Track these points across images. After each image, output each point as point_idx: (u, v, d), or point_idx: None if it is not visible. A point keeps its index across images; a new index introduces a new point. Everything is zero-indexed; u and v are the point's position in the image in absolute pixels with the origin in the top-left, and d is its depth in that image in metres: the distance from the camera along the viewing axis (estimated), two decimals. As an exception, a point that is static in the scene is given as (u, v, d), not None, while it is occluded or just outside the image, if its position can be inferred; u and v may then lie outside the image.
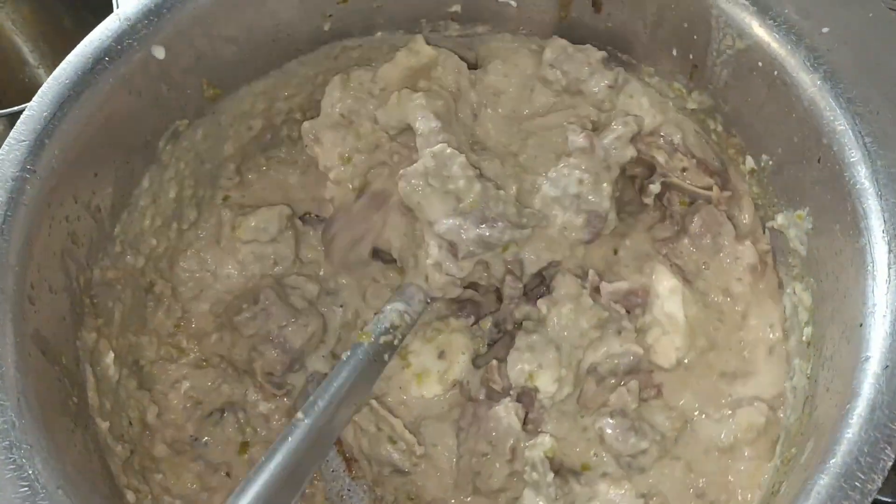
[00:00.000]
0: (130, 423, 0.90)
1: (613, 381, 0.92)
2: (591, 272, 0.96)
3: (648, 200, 1.01)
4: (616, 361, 0.92)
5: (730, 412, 0.89)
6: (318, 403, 0.85)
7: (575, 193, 0.96)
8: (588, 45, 1.01)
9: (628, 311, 0.94)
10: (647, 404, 0.91)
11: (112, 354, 0.88)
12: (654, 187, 0.99)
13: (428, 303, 0.99)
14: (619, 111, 1.01)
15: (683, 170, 0.99)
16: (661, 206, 1.02)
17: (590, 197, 0.96)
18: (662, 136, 1.01)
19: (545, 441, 0.89)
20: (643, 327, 0.94)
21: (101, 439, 0.81)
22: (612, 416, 0.89)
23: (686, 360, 0.92)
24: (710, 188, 0.97)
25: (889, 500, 0.93)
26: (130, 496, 0.80)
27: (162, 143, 0.93)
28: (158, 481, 0.88)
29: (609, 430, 0.89)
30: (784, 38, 0.82)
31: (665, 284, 0.94)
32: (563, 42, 1.01)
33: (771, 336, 0.92)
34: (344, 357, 0.92)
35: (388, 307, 0.96)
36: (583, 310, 0.93)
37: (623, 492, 0.86)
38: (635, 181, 1.03)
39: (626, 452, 0.88)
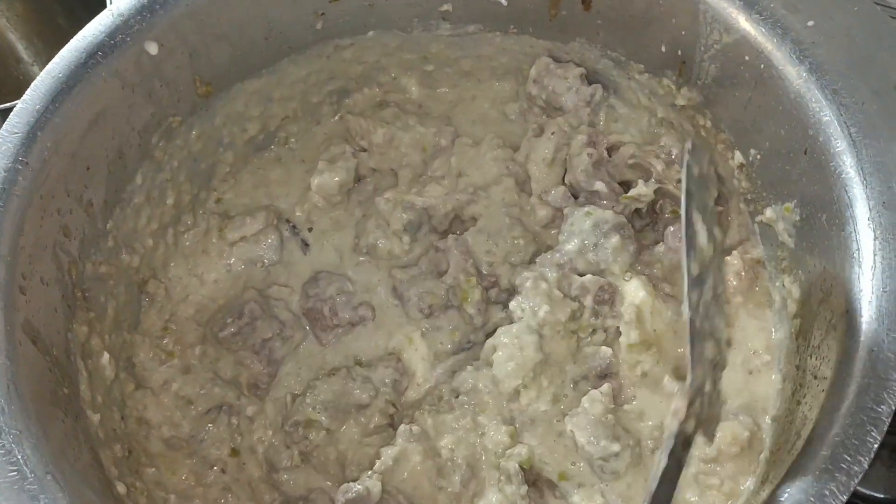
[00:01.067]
0: (122, 418, 0.90)
1: (587, 385, 0.92)
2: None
3: (640, 204, 1.01)
4: (587, 366, 0.92)
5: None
6: None
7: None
8: (570, 63, 1.04)
9: (596, 306, 0.94)
10: (623, 411, 0.91)
11: (107, 355, 0.88)
12: (647, 186, 1.00)
13: None
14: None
15: (678, 181, 0.99)
16: (654, 214, 1.03)
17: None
18: (662, 147, 1.02)
19: (521, 451, 0.87)
20: (614, 336, 0.94)
21: (92, 431, 0.81)
22: (583, 418, 0.88)
23: (655, 373, 0.92)
24: (703, 200, 0.97)
25: (882, 497, 0.94)
26: (121, 487, 0.79)
27: (155, 138, 0.94)
28: (151, 475, 0.88)
29: (579, 432, 0.88)
30: (770, 31, 0.83)
31: (635, 294, 0.94)
32: (548, 59, 1.05)
33: (756, 360, 0.91)
34: None
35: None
36: (554, 303, 0.93)
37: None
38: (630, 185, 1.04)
39: (597, 455, 0.87)
